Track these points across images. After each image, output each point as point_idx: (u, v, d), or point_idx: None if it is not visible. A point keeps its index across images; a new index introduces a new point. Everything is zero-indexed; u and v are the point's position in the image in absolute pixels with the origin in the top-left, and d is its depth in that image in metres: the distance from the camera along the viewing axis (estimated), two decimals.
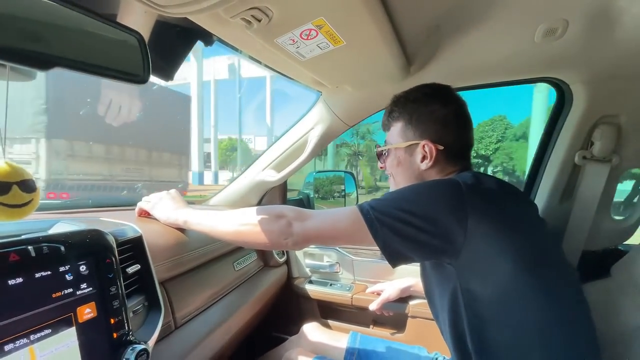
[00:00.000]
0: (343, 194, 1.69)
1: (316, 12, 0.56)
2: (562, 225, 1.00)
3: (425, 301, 1.25)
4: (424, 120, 0.73)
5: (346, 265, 1.37)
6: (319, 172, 1.70)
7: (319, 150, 1.23)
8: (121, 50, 0.51)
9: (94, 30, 0.47)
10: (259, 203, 1.49)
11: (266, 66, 0.87)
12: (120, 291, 0.58)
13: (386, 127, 0.81)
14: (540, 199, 1.08)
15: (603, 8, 0.67)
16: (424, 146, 0.72)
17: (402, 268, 1.28)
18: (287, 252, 1.45)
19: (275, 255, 1.36)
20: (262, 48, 0.70)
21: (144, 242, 0.70)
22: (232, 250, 1.14)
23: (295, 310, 1.43)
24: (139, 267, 0.67)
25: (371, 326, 1.32)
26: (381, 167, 0.85)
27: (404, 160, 0.76)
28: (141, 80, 0.51)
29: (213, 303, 0.96)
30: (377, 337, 1.10)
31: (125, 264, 0.64)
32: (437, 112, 0.73)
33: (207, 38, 0.72)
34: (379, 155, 0.84)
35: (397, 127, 0.77)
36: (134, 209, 0.92)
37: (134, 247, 0.68)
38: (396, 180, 0.79)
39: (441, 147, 0.71)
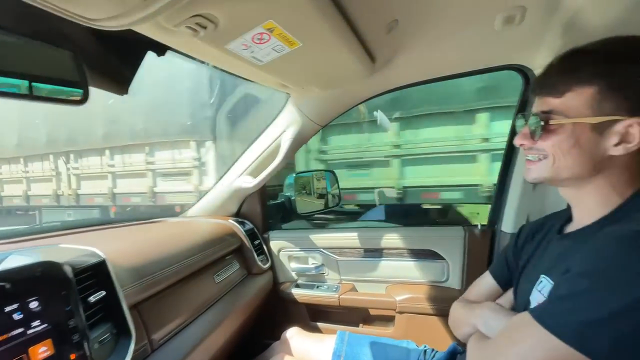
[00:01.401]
0: (325, 193, 1.68)
1: (264, 16, 0.53)
2: None
3: (413, 296, 1.27)
4: (634, 88, 0.50)
5: (331, 266, 1.36)
6: (299, 173, 1.68)
7: (293, 153, 1.21)
8: (57, 69, 0.47)
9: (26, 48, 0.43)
10: (239, 210, 1.46)
11: (227, 72, 0.84)
12: (81, 323, 0.54)
13: (556, 89, 0.55)
14: (514, 190, 1.09)
15: None
16: (631, 125, 0.50)
17: (387, 265, 1.28)
18: (271, 257, 1.43)
19: (259, 262, 1.34)
20: (217, 55, 0.67)
21: (107, 267, 0.67)
22: (212, 262, 1.11)
23: (283, 315, 1.41)
24: (104, 293, 0.63)
25: (360, 325, 1.32)
26: (524, 145, 0.60)
27: (587, 141, 0.53)
28: (80, 101, 0.48)
29: (194, 319, 0.94)
30: (366, 335, 1.09)
31: (87, 292, 0.61)
32: None
33: (158, 48, 0.68)
34: (537, 126, 0.56)
35: (584, 93, 0.53)
36: (104, 229, 0.88)
37: (97, 274, 0.65)
38: (560, 164, 0.56)
39: None
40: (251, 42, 0.60)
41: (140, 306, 0.77)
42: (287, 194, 1.68)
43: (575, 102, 0.53)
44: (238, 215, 1.46)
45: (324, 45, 0.67)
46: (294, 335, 1.11)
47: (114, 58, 0.71)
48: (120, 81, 0.73)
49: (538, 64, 0.96)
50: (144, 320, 0.76)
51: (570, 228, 0.63)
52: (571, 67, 0.54)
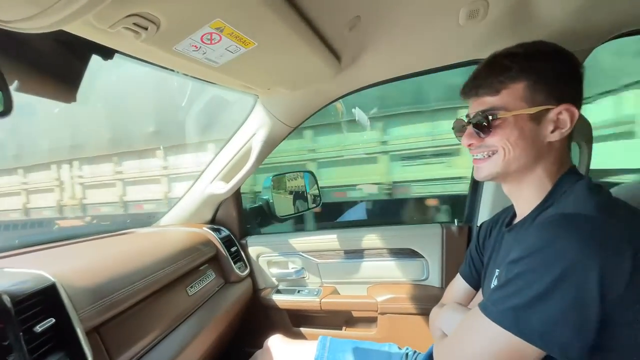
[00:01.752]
0: (304, 194, 1.65)
1: (209, 14, 0.49)
2: None
3: (394, 296, 1.26)
4: (559, 79, 0.57)
5: (312, 269, 1.34)
6: (277, 174, 1.63)
7: (266, 156, 1.17)
8: None
9: None
10: (214, 216, 1.41)
11: (185, 75, 0.79)
12: (23, 357, 0.49)
13: (493, 88, 0.60)
14: (488, 187, 1.09)
15: None
16: (560, 112, 0.56)
17: (367, 265, 1.27)
18: (250, 263, 1.39)
19: (237, 269, 1.30)
20: (167, 57, 0.62)
21: (58, 291, 0.62)
22: (185, 274, 1.06)
23: (265, 322, 1.38)
24: (53, 321, 0.58)
25: (343, 328, 1.30)
26: (471, 145, 0.63)
27: (529, 131, 0.57)
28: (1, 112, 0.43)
29: (165, 336, 0.89)
30: (348, 339, 1.07)
31: (33, 321, 0.56)
32: (568, 71, 0.58)
33: (103, 51, 0.63)
34: (479, 125, 0.60)
35: (518, 88, 0.58)
36: (63, 245, 0.82)
37: (46, 300, 0.59)
38: (510, 156, 0.59)
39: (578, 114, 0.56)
40: (201, 42, 0.56)
41: (102, 329, 0.72)
42: (264, 197, 1.64)
43: (512, 97, 0.58)
44: (213, 222, 1.41)
45: (283, 44, 0.64)
46: (276, 342, 1.09)
47: (56, 64, 0.65)
48: (65, 88, 0.68)
49: None
50: (106, 344, 0.71)
51: (515, 221, 0.67)
52: (502, 68, 0.59)
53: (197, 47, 0.57)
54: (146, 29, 0.49)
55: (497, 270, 0.62)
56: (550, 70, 0.57)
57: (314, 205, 1.61)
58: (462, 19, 0.76)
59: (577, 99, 0.58)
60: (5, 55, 0.53)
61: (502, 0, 0.71)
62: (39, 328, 0.55)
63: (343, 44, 0.77)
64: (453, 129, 0.71)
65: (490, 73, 0.60)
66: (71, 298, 0.64)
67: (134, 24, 0.47)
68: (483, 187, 1.09)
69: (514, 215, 0.69)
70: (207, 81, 0.87)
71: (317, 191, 1.64)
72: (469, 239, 1.16)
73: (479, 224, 1.13)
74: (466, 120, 0.64)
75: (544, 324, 0.44)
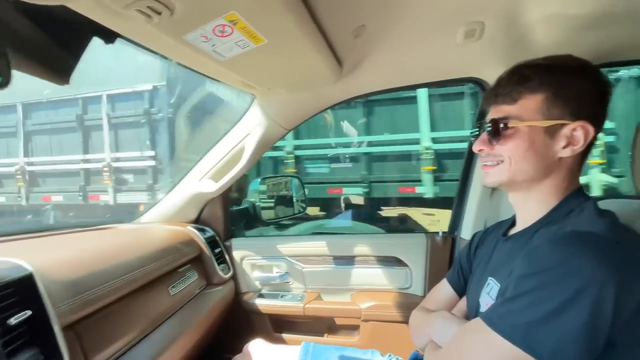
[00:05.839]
0: (291, 199, 1.64)
1: (226, 6, 0.50)
2: None
3: (377, 303, 1.27)
4: (579, 95, 0.56)
5: (296, 274, 1.32)
6: (265, 178, 1.62)
7: (259, 157, 1.16)
8: None
9: None
10: (199, 216, 1.38)
11: (187, 67, 0.78)
12: None
13: (510, 97, 0.60)
14: (473, 198, 1.13)
15: (514, 10, 0.71)
16: (575, 129, 0.55)
17: (352, 272, 1.27)
18: (233, 265, 1.36)
19: (220, 271, 1.26)
20: (174, 46, 0.61)
21: (35, 282, 0.58)
22: (167, 273, 1.02)
23: (246, 327, 1.34)
24: (29, 313, 0.54)
25: (326, 334, 1.29)
26: (481, 151, 0.63)
27: (541, 144, 0.57)
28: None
29: (145, 337, 0.85)
30: (331, 345, 1.06)
31: (8, 312, 0.52)
32: (591, 88, 0.57)
33: (106, 34, 0.61)
34: (495, 131, 0.59)
35: (535, 99, 0.57)
36: (40, 237, 0.77)
37: (21, 290, 0.55)
38: (517, 167, 0.59)
39: (594, 134, 0.56)
40: (212, 34, 0.55)
41: (79, 326, 0.68)
42: (251, 200, 1.61)
43: (528, 108, 0.58)
44: (198, 221, 1.38)
45: (291, 44, 0.64)
46: (256, 347, 1.06)
47: (53, 44, 0.63)
48: (60, 69, 0.65)
49: (493, 78, 1.01)
50: (82, 342, 0.67)
51: (513, 231, 0.67)
52: (522, 78, 0.59)
53: (207, 39, 0.57)
54: (159, 13, 0.48)
55: (490, 278, 0.62)
56: (571, 85, 0.56)
57: (300, 211, 1.61)
58: (460, 37, 0.80)
59: (597, 118, 0.57)
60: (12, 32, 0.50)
61: (497, 23, 0.76)
62: (13, 320, 0.51)
63: (347, 50, 0.79)
64: (471, 133, 0.71)
65: (510, 82, 0.60)
66: (49, 290, 0.60)
67: (149, 7, 0.47)
68: (468, 198, 1.13)
69: (512, 224, 0.69)
70: (207, 76, 0.86)
71: (303, 197, 1.65)
72: (453, 249, 1.19)
73: (462, 235, 1.17)
74: (482, 126, 0.63)
75: (556, 341, 0.43)
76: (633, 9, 0.67)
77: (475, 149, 0.64)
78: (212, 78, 0.87)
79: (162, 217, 1.32)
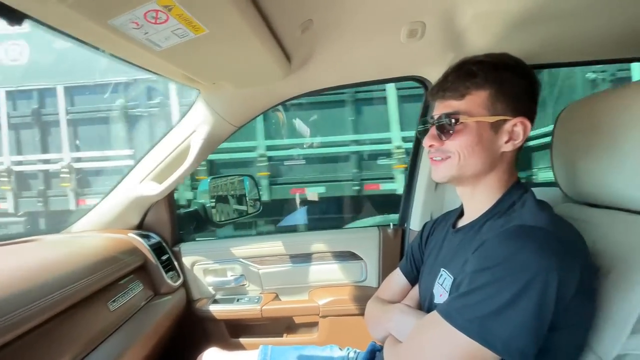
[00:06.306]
0: (244, 198, 1.59)
1: None
2: None
3: (335, 298, 1.28)
4: (518, 92, 0.60)
5: (252, 276, 1.28)
6: (215, 177, 1.55)
7: (206, 155, 1.10)
8: None
9: None
10: (142, 221, 1.27)
11: (118, 58, 0.71)
12: None
13: (458, 92, 0.61)
14: (419, 191, 1.18)
15: (451, 10, 0.76)
16: (516, 124, 0.59)
17: (309, 270, 1.27)
18: (183, 272, 1.28)
19: (168, 280, 1.17)
20: (100, 33, 0.55)
21: None
22: (104, 287, 0.92)
23: (200, 336, 1.27)
24: None
25: (285, 335, 1.27)
26: (431, 147, 0.64)
27: (487, 139, 0.59)
28: None
29: (82, 358, 0.76)
30: (290, 346, 1.05)
31: None
32: (527, 86, 0.61)
33: (10, 14, 0.52)
34: (442, 127, 0.61)
35: (481, 95, 0.60)
36: None
37: None
38: (465, 162, 0.61)
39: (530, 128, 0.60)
40: (144, 20, 0.50)
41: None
42: (201, 201, 1.53)
43: (475, 103, 0.60)
44: (141, 227, 1.27)
45: (235, 34, 0.61)
46: (212, 356, 1.00)
47: None
48: None
49: (434, 77, 1.07)
50: None
51: (461, 223, 0.69)
52: (469, 73, 0.61)
53: (138, 25, 0.52)
54: None
55: (442, 269, 0.64)
56: (511, 82, 0.60)
57: (254, 210, 1.56)
58: (404, 37, 0.83)
59: (530, 114, 0.61)
60: None
61: (437, 23, 0.80)
62: None
63: (294, 45, 0.78)
64: (417, 128, 0.72)
65: (457, 77, 0.62)
66: None
67: None
68: (415, 191, 1.19)
69: (461, 215, 0.72)
70: (143, 68, 0.78)
71: (256, 196, 1.60)
72: (404, 240, 1.25)
73: (411, 227, 1.23)
74: (431, 122, 0.64)
75: (508, 332, 0.46)
76: (555, 10, 0.73)
77: (425, 144, 0.66)
78: (149, 71, 0.80)
79: (98, 225, 1.19)
